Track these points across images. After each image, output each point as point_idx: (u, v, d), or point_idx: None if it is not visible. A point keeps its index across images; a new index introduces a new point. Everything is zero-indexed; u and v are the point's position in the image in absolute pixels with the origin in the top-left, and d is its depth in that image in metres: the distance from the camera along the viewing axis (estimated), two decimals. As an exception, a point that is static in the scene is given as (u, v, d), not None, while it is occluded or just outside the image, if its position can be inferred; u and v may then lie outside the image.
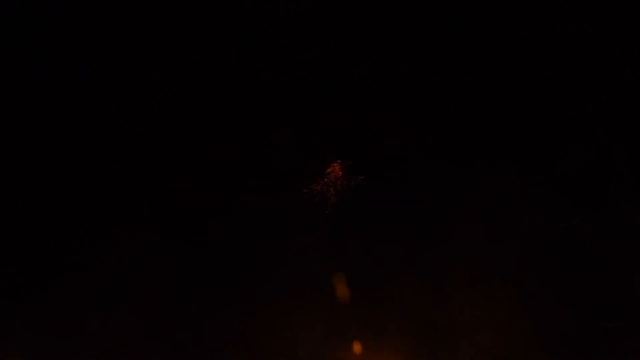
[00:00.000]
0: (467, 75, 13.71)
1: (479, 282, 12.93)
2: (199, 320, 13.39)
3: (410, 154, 13.78)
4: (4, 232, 13.86)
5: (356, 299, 13.23)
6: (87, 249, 13.69)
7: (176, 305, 13.47)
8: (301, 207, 13.88)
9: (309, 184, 14.01)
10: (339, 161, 14.07)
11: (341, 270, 13.33)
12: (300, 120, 13.99)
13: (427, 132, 13.76)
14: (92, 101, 14.29)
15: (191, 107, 14.26)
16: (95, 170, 14.11)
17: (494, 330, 12.70)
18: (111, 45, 14.31)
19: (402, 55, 13.91)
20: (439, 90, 13.82)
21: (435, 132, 13.78)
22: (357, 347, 13.02)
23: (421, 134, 13.74)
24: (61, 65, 14.30)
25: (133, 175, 14.11)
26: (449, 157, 13.55)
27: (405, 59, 13.88)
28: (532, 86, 13.50)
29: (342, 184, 13.98)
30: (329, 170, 14.04)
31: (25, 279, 13.65)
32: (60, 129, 14.20)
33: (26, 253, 13.78)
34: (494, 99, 13.61)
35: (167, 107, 14.26)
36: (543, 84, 13.45)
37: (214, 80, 14.24)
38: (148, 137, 14.21)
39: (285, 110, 14.01)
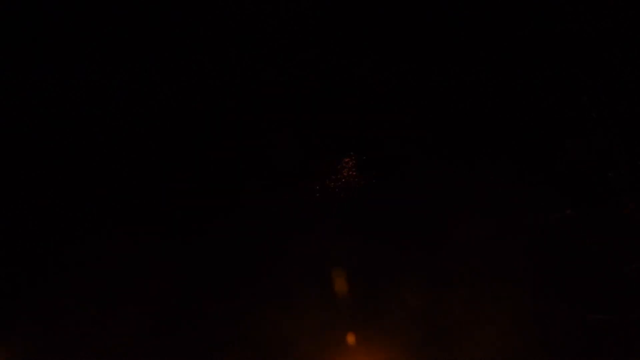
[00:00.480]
0: (467, 75, 13.70)
1: (480, 282, 12.93)
2: (199, 320, 13.39)
3: (410, 154, 13.78)
4: (4, 232, 13.86)
5: (357, 299, 13.24)
6: (87, 249, 13.69)
7: (176, 305, 13.47)
8: (301, 207, 13.88)
9: (309, 184, 14.01)
10: (339, 161, 14.06)
11: (342, 270, 13.34)
12: (300, 120, 13.98)
13: (427, 132, 13.76)
14: (92, 101, 14.29)
15: (191, 107, 14.26)
16: (95, 170, 14.11)
17: (496, 330, 12.70)
18: (111, 45, 14.31)
19: (402, 55, 13.90)
20: (439, 90, 13.81)
21: (435, 132, 13.78)
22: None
23: (421, 134, 13.74)
24: (61, 65, 14.30)
25: (133, 175, 14.11)
26: (449, 157, 13.55)
27: (405, 59, 13.87)
28: (532, 86, 13.50)
29: (342, 183, 13.98)
30: (329, 170, 14.04)
31: (25, 279, 13.65)
32: (60, 129, 14.20)
33: (26, 253, 13.78)
34: (494, 99, 13.61)
35: (167, 107, 14.26)
36: (543, 84, 13.45)
37: (214, 80, 14.24)
38: (148, 137, 14.20)
39: (285, 110, 14.01)
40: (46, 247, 13.77)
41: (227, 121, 14.09)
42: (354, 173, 13.98)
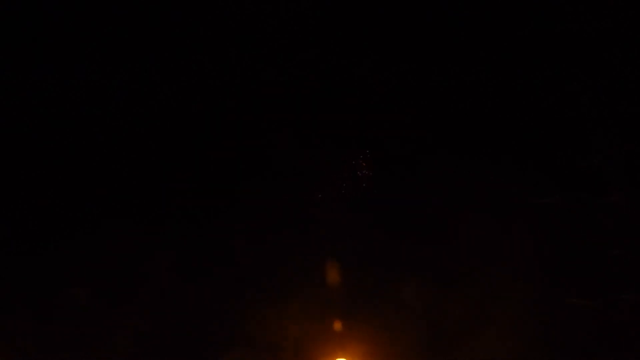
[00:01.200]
0: (467, 75, 13.71)
1: (481, 281, 12.93)
2: (199, 320, 13.38)
3: (411, 154, 13.79)
4: (4, 232, 13.85)
5: (357, 299, 13.24)
6: (87, 248, 13.68)
7: (177, 305, 13.47)
8: (301, 207, 13.88)
9: (309, 184, 14.01)
10: (339, 161, 14.07)
11: (343, 270, 13.34)
12: (300, 120, 13.98)
13: (427, 132, 13.77)
14: (92, 101, 14.29)
15: (191, 107, 14.26)
16: (95, 170, 14.10)
17: (497, 330, 12.71)
18: (111, 45, 14.30)
19: (402, 55, 13.91)
20: (439, 90, 13.82)
21: (435, 132, 13.79)
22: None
23: (421, 134, 13.75)
24: (61, 65, 14.29)
25: (133, 175, 14.11)
26: (449, 157, 13.55)
27: (405, 59, 13.88)
28: (532, 86, 13.51)
29: (342, 183, 13.98)
30: (329, 170, 14.04)
31: (25, 279, 13.63)
32: (60, 129, 14.19)
33: (26, 253, 13.77)
34: (494, 99, 13.62)
35: (167, 107, 14.26)
36: (543, 84, 13.45)
37: (214, 80, 14.24)
38: (148, 137, 14.20)
39: (285, 110, 14.00)
40: (46, 246, 13.76)
41: (227, 121, 14.09)
42: (354, 173, 13.99)
